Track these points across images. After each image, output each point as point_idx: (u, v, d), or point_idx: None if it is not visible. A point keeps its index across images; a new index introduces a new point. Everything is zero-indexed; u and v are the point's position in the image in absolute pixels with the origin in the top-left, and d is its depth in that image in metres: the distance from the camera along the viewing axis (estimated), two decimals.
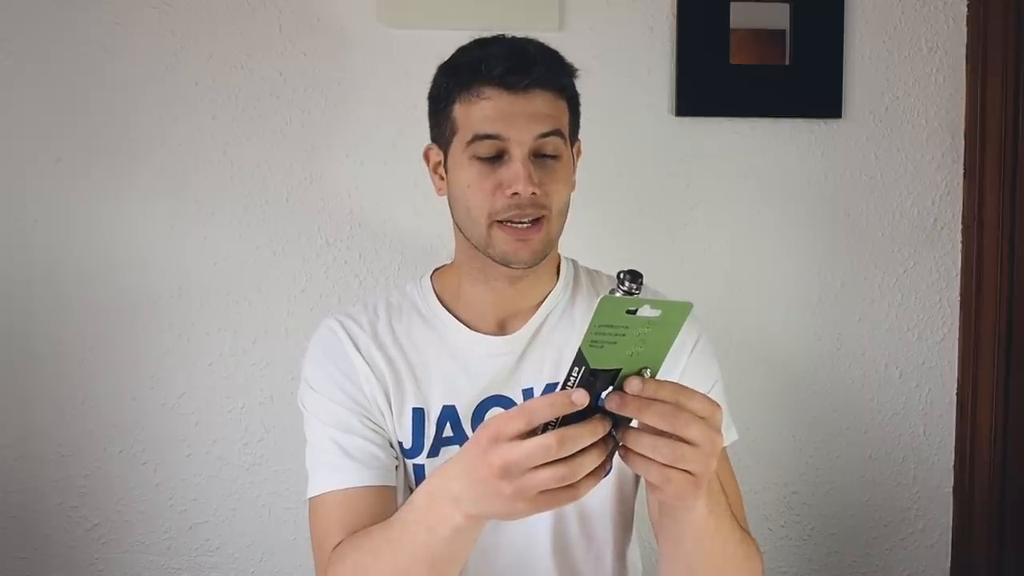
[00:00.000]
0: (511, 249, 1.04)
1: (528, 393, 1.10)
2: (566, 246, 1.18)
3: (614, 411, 0.72)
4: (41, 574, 1.66)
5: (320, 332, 1.14)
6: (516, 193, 1.02)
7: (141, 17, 1.61)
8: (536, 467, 0.72)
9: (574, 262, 1.20)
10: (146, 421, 1.66)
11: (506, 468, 0.73)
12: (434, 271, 1.19)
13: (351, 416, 1.08)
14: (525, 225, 1.04)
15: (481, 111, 1.03)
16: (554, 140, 1.05)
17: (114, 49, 1.61)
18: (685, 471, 0.74)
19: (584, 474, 0.73)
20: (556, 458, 0.71)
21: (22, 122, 1.61)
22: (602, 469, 0.74)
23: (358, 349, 1.10)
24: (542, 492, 0.73)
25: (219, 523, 1.68)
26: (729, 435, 1.13)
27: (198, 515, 1.68)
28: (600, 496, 1.10)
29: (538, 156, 1.05)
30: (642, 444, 0.73)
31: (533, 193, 1.02)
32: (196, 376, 1.66)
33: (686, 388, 0.74)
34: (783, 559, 1.78)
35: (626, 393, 0.71)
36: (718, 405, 0.75)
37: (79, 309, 1.64)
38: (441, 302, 1.14)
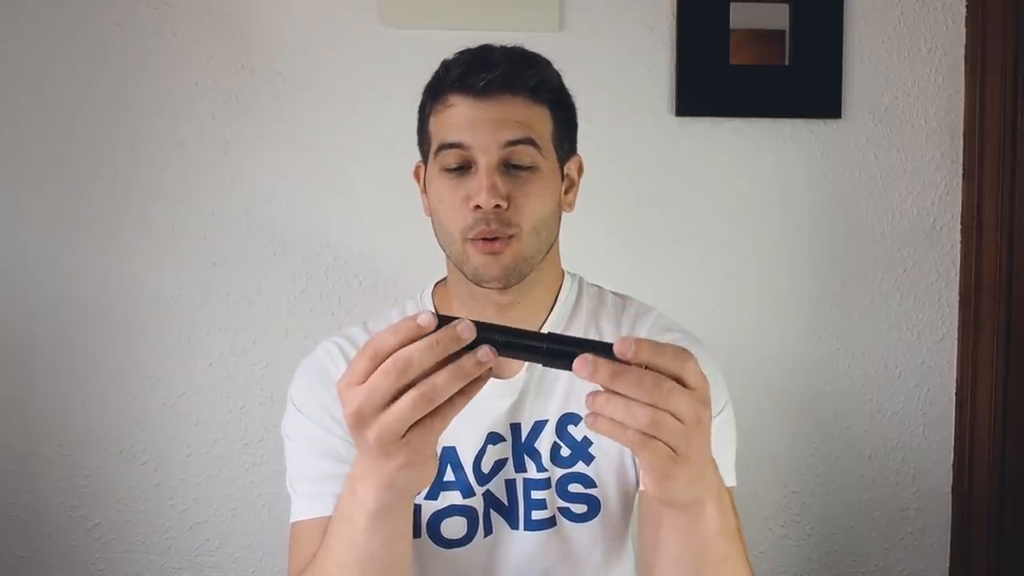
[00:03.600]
0: (481, 264, 0.96)
1: (518, 428, 1.03)
2: (564, 247, 1.16)
3: (586, 379, 0.64)
4: (42, 573, 1.66)
5: (316, 354, 1.07)
6: (479, 206, 0.94)
7: (141, 17, 1.61)
8: (387, 404, 0.65)
9: (581, 280, 1.10)
10: (146, 421, 1.66)
11: (358, 414, 0.66)
12: (436, 284, 1.10)
13: (340, 443, 1.01)
14: (493, 239, 0.96)
15: (448, 120, 0.97)
16: (526, 149, 0.96)
17: (114, 49, 1.61)
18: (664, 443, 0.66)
19: (451, 389, 0.65)
20: (404, 384, 0.64)
21: (22, 122, 1.61)
22: (480, 381, 0.67)
23: None
24: (412, 429, 0.66)
25: (219, 523, 1.68)
26: (727, 479, 1.02)
27: (198, 515, 1.68)
28: (588, 540, 1.03)
29: (509, 167, 0.96)
30: (613, 407, 0.65)
31: (497, 206, 0.94)
32: (196, 376, 1.66)
33: (674, 349, 0.66)
34: (783, 559, 1.78)
35: (599, 358, 0.64)
36: (706, 379, 0.68)
37: (79, 309, 1.64)
38: None
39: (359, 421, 0.66)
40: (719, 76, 1.68)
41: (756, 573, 1.04)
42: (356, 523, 0.77)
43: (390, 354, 0.65)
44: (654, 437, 0.66)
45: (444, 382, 0.65)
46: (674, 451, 0.67)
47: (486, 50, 0.99)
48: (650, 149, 1.70)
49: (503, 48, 0.99)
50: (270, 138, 1.64)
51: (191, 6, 1.62)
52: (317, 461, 1.02)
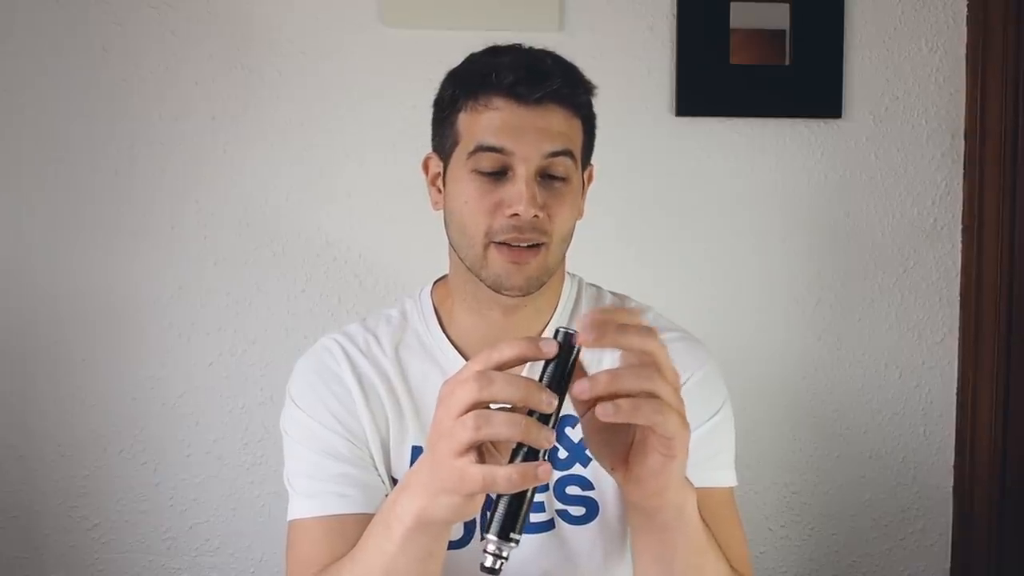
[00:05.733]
0: (504, 272, 0.95)
1: None
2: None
3: (584, 397, 0.69)
4: (42, 573, 1.66)
5: (315, 351, 1.06)
6: (516, 214, 0.93)
7: (141, 17, 1.61)
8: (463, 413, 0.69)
9: (580, 281, 1.10)
10: (146, 421, 1.66)
11: (443, 404, 0.70)
12: (435, 283, 1.10)
13: (340, 441, 1.00)
14: (522, 247, 0.95)
15: (487, 121, 0.94)
16: (564, 161, 0.95)
17: (114, 49, 1.61)
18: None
19: (499, 430, 0.68)
20: (478, 401, 0.68)
21: (22, 122, 1.61)
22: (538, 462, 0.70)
23: (356, 375, 1.02)
24: (475, 463, 0.69)
25: (219, 523, 1.68)
26: (728, 478, 1.05)
27: (198, 515, 1.68)
28: (587, 542, 1.02)
29: (545, 177, 0.95)
30: (597, 381, 0.68)
31: (535, 216, 0.93)
32: (196, 376, 1.66)
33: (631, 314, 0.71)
34: (783, 559, 1.78)
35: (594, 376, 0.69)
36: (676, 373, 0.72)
37: (79, 309, 1.64)
38: (440, 323, 1.05)
39: (439, 411, 0.70)
40: (719, 76, 1.68)
41: (756, 573, 1.04)
42: (392, 533, 0.79)
43: (499, 363, 0.69)
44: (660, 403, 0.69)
45: (499, 421, 0.68)
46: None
47: (538, 60, 0.96)
48: (650, 149, 1.70)
49: (553, 59, 0.98)
50: (270, 138, 1.64)
51: (191, 6, 1.62)
52: (316, 459, 1.02)
